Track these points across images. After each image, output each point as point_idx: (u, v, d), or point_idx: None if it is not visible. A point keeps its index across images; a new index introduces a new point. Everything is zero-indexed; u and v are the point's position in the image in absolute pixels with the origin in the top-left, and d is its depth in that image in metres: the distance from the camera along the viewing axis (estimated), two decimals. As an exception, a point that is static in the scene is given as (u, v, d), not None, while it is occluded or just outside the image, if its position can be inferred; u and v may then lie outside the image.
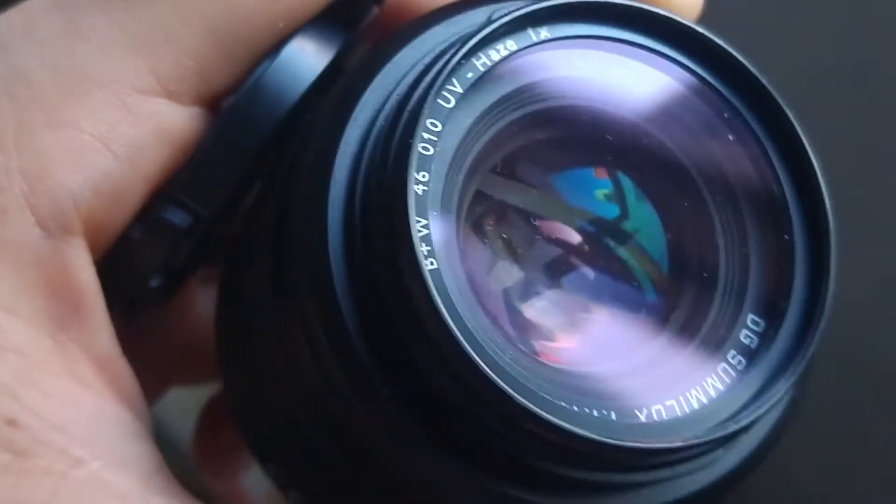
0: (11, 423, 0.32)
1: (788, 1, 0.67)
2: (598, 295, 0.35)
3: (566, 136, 0.35)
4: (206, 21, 0.36)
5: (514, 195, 0.35)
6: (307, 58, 0.37)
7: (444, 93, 0.32)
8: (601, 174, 0.36)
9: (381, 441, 0.32)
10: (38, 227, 0.34)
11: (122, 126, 0.35)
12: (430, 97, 0.31)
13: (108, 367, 0.35)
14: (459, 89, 0.32)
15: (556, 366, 0.34)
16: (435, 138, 0.31)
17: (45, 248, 0.34)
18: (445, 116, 0.32)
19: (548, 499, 0.32)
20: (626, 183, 0.36)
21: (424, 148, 0.31)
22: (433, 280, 0.30)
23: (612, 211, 0.36)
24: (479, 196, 0.34)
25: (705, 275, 0.35)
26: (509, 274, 0.34)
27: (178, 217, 0.36)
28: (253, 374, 0.38)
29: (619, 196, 0.36)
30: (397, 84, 0.34)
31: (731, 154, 0.35)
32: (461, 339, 0.29)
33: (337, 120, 0.34)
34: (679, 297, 0.35)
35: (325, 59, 0.37)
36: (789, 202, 0.35)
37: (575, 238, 0.36)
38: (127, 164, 0.35)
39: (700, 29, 0.35)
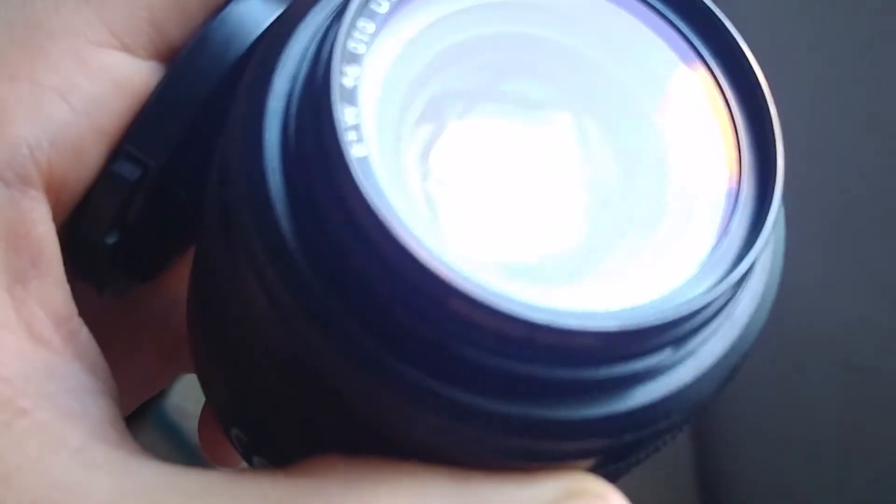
0: None
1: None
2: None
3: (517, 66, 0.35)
4: None
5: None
6: (255, 11, 0.37)
7: None
8: (563, 119, 0.36)
9: (334, 364, 0.31)
10: None
11: (77, 78, 0.36)
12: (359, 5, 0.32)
13: (64, 324, 0.35)
14: None
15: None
16: (366, 37, 0.32)
17: (2, 198, 0.34)
18: (380, 20, 0.32)
19: (490, 403, 0.31)
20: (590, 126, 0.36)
21: (354, 46, 0.31)
22: (361, 168, 0.30)
23: (571, 152, 0.36)
24: (426, 115, 0.34)
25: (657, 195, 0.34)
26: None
27: (126, 169, 0.37)
28: (210, 326, 0.37)
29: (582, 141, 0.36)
30: (333, 11, 0.34)
31: (680, 78, 0.35)
32: (390, 222, 0.29)
33: (271, 51, 0.34)
34: (632, 218, 0.34)
35: (273, 14, 0.38)
36: (738, 121, 0.34)
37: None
38: (84, 116, 0.36)
39: None
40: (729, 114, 0.34)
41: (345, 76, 0.31)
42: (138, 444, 0.34)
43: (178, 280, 0.45)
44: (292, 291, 0.31)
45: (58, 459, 0.32)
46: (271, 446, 0.37)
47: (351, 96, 0.31)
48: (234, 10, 0.37)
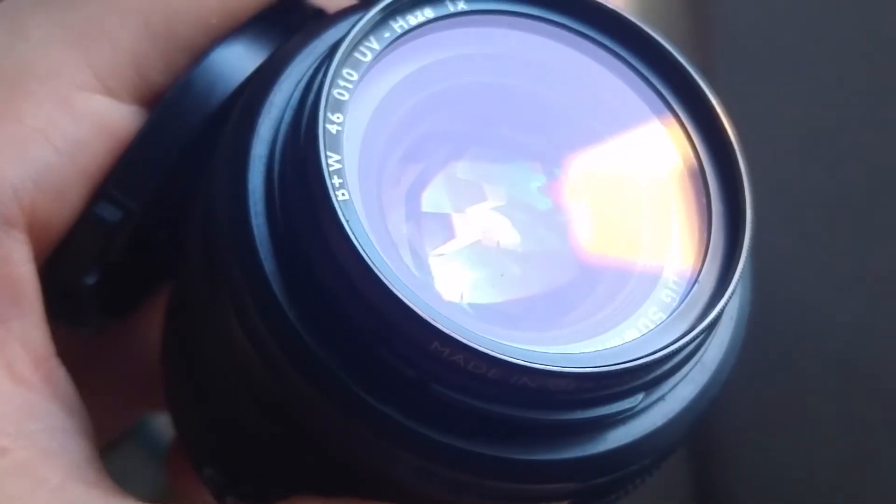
0: None
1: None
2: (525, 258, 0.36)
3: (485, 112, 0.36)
4: (141, 16, 0.37)
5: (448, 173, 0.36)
6: (238, 59, 0.38)
7: (362, 48, 0.33)
8: (536, 168, 0.37)
9: (313, 402, 0.32)
10: None
11: (62, 121, 0.36)
12: (346, 49, 0.32)
13: (43, 364, 0.36)
14: (377, 46, 0.33)
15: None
16: (350, 85, 0.33)
17: None
18: (363, 69, 0.33)
19: (466, 444, 0.31)
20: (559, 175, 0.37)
21: (339, 93, 0.32)
22: (343, 210, 0.30)
23: (545, 203, 0.37)
24: (408, 158, 0.35)
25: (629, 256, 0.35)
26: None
27: (108, 211, 0.37)
28: (187, 365, 0.38)
29: (553, 189, 0.37)
30: (315, 60, 0.35)
31: (651, 131, 0.36)
32: (370, 262, 0.30)
33: (256, 98, 0.35)
34: (603, 266, 0.35)
35: (255, 62, 0.38)
36: (706, 170, 0.35)
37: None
38: (67, 158, 0.36)
39: (623, 12, 0.36)
40: (699, 165, 0.35)
41: (329, 123, 0.32)
42: (123, 465, 0.35)
43: (150, 320, 0.45)
44: (273, 331, 0.32)
45: (37, 498, 0.32)
46: (248, 484, 0.37)
47: (335, 143, 0.31)
48: (216, 58, 0.38)
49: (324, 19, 0.37)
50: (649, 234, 0.36)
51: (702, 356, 0.35)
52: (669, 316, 0.33)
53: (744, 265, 0.33)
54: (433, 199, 0.35)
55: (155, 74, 0.38)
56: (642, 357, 0.31)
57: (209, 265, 0.34)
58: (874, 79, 0.63)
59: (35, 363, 0.35)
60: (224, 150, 0.34)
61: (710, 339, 0.34)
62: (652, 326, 0.33)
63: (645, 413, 0.33)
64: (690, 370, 0.34)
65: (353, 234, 0.30)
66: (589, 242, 0.35)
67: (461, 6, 0.35)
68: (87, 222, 0.37)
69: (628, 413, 0.32)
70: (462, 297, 0.33)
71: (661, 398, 0.33)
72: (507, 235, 0.35)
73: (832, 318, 0.65)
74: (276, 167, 0.33)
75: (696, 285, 0.33)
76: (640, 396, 0.32)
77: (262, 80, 0.35)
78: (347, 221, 0.30)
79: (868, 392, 0.66)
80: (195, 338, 0.37)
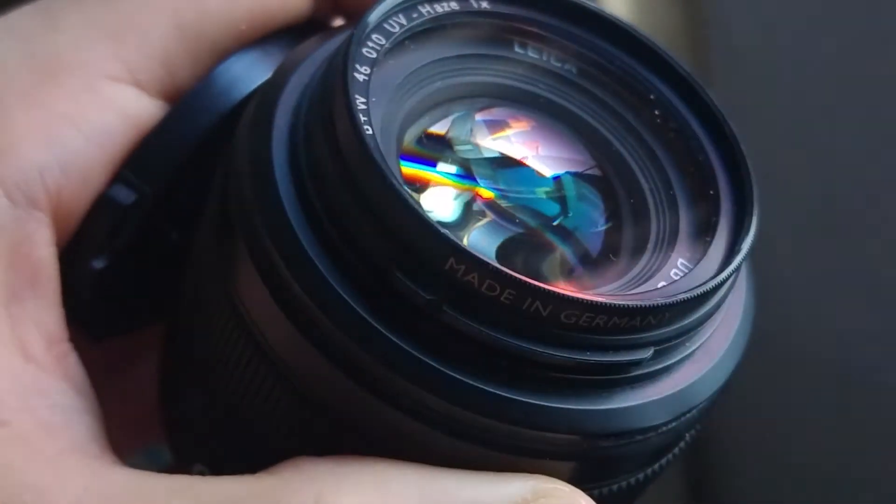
0: None
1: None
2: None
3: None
4: (173, 16, 0.39)
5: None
6: (260, 62, 0.40)
7: (391, 20, 0.35)
8: (543, 172, 0.39)
9: (333, 337, 0.32)
10: (3, 196, 0.35)
11: (91, 109, 0.37)
12: (377, 17, 0.34)
13: (56, 345, 0.36)
14: (405, 22, 0.35)
15: None
16: (378, 47, 0.34)
17: (7, 217, 0.36)
18: (390, 38, 0.35)
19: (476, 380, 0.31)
20: (567, 180, 0.38)
21: (368, 51, 0.34)
22: (368, 140, 0.31)
23: (553, 209, 0.38)
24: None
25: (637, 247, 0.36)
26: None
27: (122, 193, 0.38)
28: (189, 343, 0.38)
29: (559, 195, 0.38)
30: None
31: (658, 133, 0.38)
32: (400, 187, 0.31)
33: (276, 83, 0.36)
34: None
35: (274, 66, 0.40)
36: (714, 165, 0.37)
37: None
38: (94, 145, 0.37)
39: (631, 25, 0.39)
40: (705, 160, 0.37)
41: (357, 72, 0.33)
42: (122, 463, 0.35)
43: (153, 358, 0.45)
44: (287, 261, 0.32)
45: (32, 466, 0.32)
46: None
47: (362, 88, 0.33)
48: (239, 59, 0.40)
49: (343, 25, 0.39)
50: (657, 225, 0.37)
51: (709, 340, 0.35)
52: (683, 277, 0.33)
53: (755, 234, 0.34)
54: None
55: (182, 72, 0.39)
56: (658, 297, 0.31)
57: (223, 224, 0.35)
58: (877, 83, 0.65)
59: (48, 343, 0.36)
60: (246, 120, 0.36)
61: (716, 317, 0.35)
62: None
63: (652, 381, 0.33)
64: (696, 351, 0.34)
65: (376, 156, 0.31)
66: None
67: (484, 5, 0.37)
68: (100, 203, 0.38)
69: (637, 370, 0.32)
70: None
71: (668, 371, 0.33)
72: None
73: (830, 321, 0.64)
74: (302, 117, 0.34)
75: (705, 259, 0.34)
76: (650, 350, 0.32)
77: (284, 67, 0.37)
78: (371, 147, 0.31)
79: (865, 395, 0.65)
80: (199, 311, 0.37)
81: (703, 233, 0.35)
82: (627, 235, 0.37)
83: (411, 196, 0.30)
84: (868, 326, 0.65)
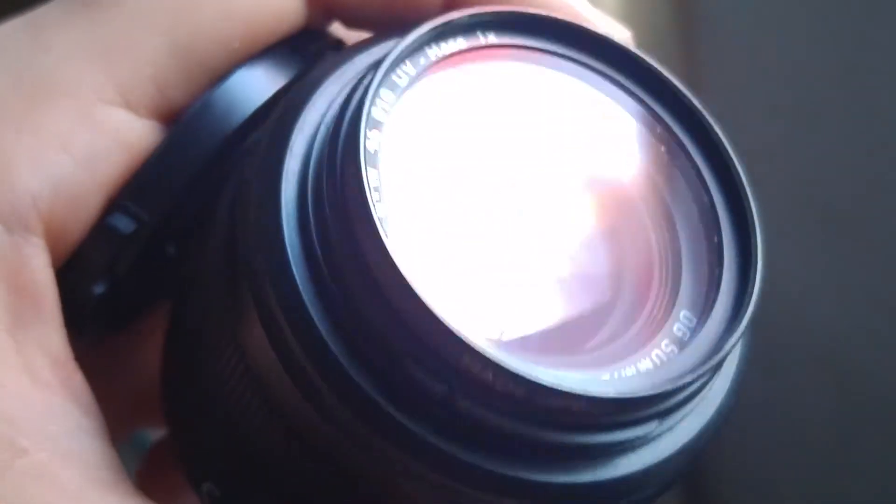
0: None
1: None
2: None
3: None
4: (165, 35, 0.38)
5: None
6: (258, 81, 0.39)
7: (399, 71, 0.34)
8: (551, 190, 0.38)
9: (336, 412, 0.32)
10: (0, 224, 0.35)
11: (81, 132, 0.37)
12: (386, 70, 0.33)
13: (62, 367, 0.36)
14: (413, 71, 0.34)
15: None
16: (388, 106, 0.33)
17: (6, 244, 0.35)
18: (399, 92, 0.34)
19: (487, 463, 0.32)
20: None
21: (378, 112, 0.33)
22: (382, 226, 0.31)
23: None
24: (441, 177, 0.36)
25: (641, 277, 0.37)
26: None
27: (122, 222, 0.38)
28: (193, 375, 0.38)
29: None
30: (341, 87, 0.36)
31: (663, 167, 0.38)
32: (408, 279, 0.30)
33: (288, 115, 0.35)
34: (618, 298, 0.36)
35: (275, 86, 0.39)
36: (718, 208, 0.37)
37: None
38: (86, 169, 0.37)
39: (635, 50, 0.38)
40: (710, 202, 0.37)
41: (368, 140, 0.32)
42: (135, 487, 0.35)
43: (148, 337, 0.45)
44: (301, 341, 0.32)
45: (55, 501, 0.32)
46: (248, 501, 0.37)
47: (373, 160, 0.32)
48: (237, 80, 0.38)
49: (353, 46, 0.38)
50: (659, 269, 0.37)
51: (709, 391, 0.36)
52: (684, 348, 0.34)
53: (755, 305, 0.34)
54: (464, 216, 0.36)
55: (175, 92, 0.38)
56: (660, 387, 0.32)
57: (232, 277, 0.34)
58: (874, 86, 0.65)
59: (54, 365, 0.36)
60: (256, 163, 0.35)
61: (716, 374, 0.36)
62: (665, 359, 0.34)
63: (654, 442, 0.34)
64: (698, 404, 0.35)
65: (391, 249, 0.31)
66: (609, 270, 0.37)
67: (491, 39, 0.36)
68: (100, 232, 0.38)
69: (641, 441, 0.33)
70: (487, 316, 0.34)
71: (670, 429, 0.34)
72: (533, 255, 0.36)
73: (827, 321, 0.66)
74: (311, 181, 0.33)
75: (710, 319, 0.34)
76: (654, 423, 0.33)
77: (295, 99, 0.36)
78: (386, 237, 0.31)
79: (861, 396, 0.67)
80: (205, 346, 0.37)
81: (707, 285, 0.36)
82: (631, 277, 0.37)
83: (425, 296, 0.30)
84: (868, 326, 0.66)
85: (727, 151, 0.37)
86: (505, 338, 0.34)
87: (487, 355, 0.30)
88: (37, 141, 0.36)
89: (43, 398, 0.34)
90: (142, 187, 0.37)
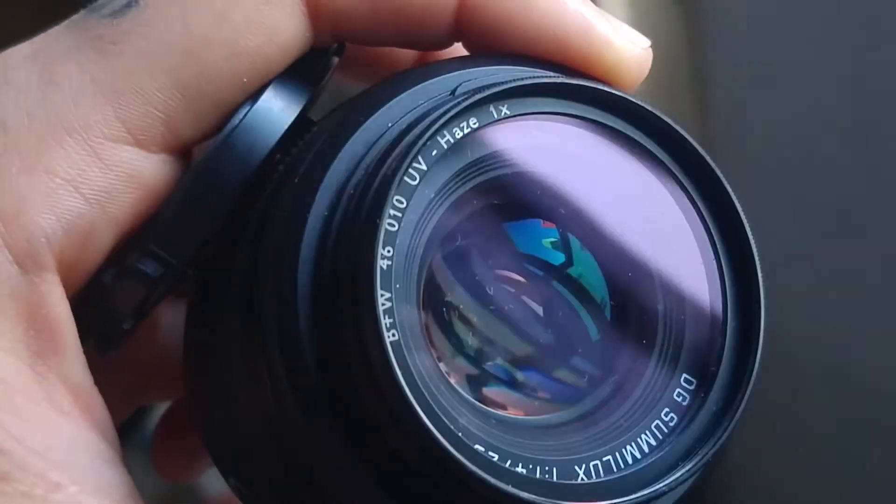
0: None
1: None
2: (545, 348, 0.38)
3: (519, 199, 0.38)
4: (172, 74, 0.38)
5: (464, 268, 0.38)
6: (274, 115, 0.39)
7: (411, 170, 0.34)
8: (548, 224, 0.39)
9: (325, 468, 0.35)
10: (14, 264, 0.37)
11: (92, 171, 0.38)
12: (398, 177, 0.34)
13: (82, 397, 0.38)
14: (424, 167, 0.34)
15: (501, 415, 0.37)
16: (400, 214, 0.34)
17: (21, 284, 0.37)
18: (410, 193, 0.34)
19: None
20: (572, 237, 0.39)
21: (390, 224, 0.34)
22: (394, 351, 0.32)
23: (558, 258, 0.39)
24: (435, 268, 0.37)
25: (644, 341, 0.38)
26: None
27: (150, 267, 0.39)
28: (216, 395, 0.40)
29: (564, 245, 0.39)
30: (367, 150, 0.36)
31: (670, 228, 0.38)
32: (416, 405, 0.32)
33: (309, 183, 0.36)
34: (618, 354, 0.38)
35: (290, 116, 0.39)
36: (725, 276, 0.37)
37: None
38: (96, 206, 0.38)
39: (647, 105, 0.38)
40: (719, 269, 0.38)
41: (382, 259, 0.33)
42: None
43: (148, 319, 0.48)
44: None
45: None
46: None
47: (386, 279, 0.33)
48: (254, 116, 0.38)
49: (375, 90, 0.38)
50: (663, 331, 0.38)
51: None
52: (677, 429, 0.36)
53: (752, 386, 0.36)
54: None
55: (185, 129, 0.39)
56: (673, 482, 0.35)
57: (249, 339, 0.36)
58: (872, 86, 0.63)
59: (75, 395, 0.38)
60: (274, 235, 0.36)
61: None
62: (660, 438, 0.36)
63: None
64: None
65: (402, 377, 0.32)
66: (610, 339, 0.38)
67: (504, 111, 0.36)
68: (129, 275, 0.39)
69: None
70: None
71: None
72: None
73: (827, 322, 0.67)
74: (328, 269, 0.35)
75: (701, 412, 0.36)
76: None
77: (314, 167, 0.36)
78: (397, 366, 0.32)
79: (863, 396, 0.69)
80: (223, 373, 0.39)
81: (706, 351, 0.37)
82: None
83: (425, 413, 0.32)
84: (868, 326, 0.65)
85: (740, 219, 0.37)
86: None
87: (491, 481, 0.32)
88: (48, 181, 0.37)
89: (68, 429, 0.36)
90: (167, 233, 0.39)
